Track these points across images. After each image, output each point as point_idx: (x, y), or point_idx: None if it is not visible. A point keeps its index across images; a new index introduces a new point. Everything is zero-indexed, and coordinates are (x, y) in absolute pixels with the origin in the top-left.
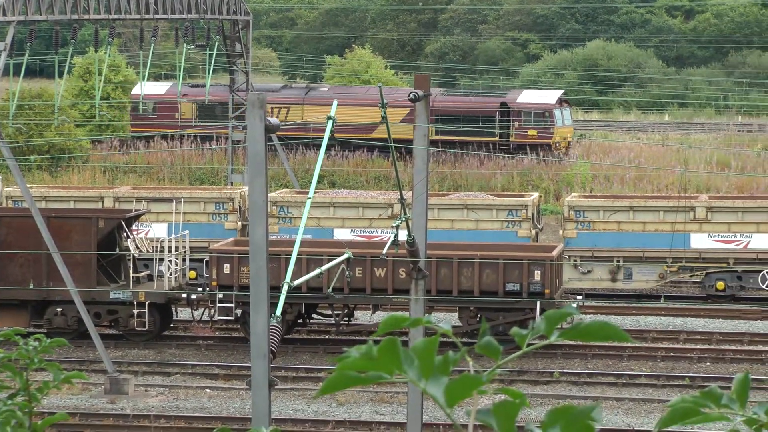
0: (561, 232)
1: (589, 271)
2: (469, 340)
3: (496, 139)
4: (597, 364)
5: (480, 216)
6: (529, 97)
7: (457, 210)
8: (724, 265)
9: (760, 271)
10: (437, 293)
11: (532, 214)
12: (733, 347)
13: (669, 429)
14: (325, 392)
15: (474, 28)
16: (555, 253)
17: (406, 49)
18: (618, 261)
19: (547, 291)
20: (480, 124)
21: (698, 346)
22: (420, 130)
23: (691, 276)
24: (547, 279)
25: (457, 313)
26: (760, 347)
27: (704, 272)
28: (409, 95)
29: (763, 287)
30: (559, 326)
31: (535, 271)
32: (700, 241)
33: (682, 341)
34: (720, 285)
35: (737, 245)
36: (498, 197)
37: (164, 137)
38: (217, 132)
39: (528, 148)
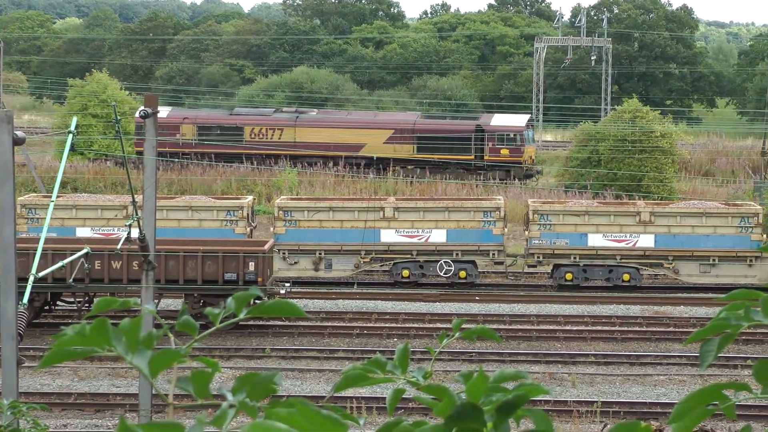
0: (272, 229)
1: (296, 262)
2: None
3: (472, 157)
4: (302, 341)
5: (203, 216)
6: (501, 120)
7: (183, 211)
8: (409, 256)
9: (438, 261)
10: (166, 282)
11: (248, 214)
12: (416, 325)
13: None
14: (45, 365)
15: (197, 55)
16: (267, 247)
17: (138, 73)
18: (320, 253)
19: (260, 279)
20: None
21: (387, 325)
22: (149, 143)
23: (381, 265)
24: (260, 269)
25: (182, 299)
26: (438, 324)
27: (392, 262)
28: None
29: (441, 274)
30: (248, 305)
31: (250, 263)
32: (388, 236)
33: (374, 321)
34: (405, 273)
35: (419, 239)
36: (218, 200)
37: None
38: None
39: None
